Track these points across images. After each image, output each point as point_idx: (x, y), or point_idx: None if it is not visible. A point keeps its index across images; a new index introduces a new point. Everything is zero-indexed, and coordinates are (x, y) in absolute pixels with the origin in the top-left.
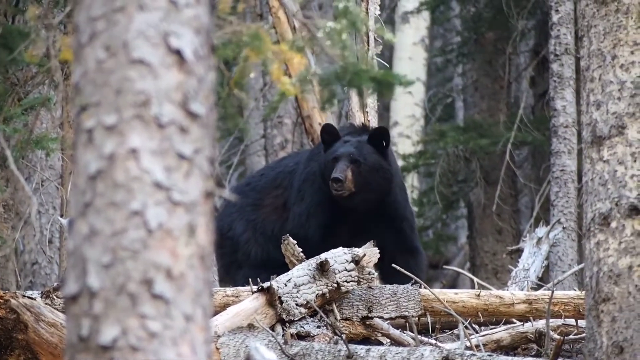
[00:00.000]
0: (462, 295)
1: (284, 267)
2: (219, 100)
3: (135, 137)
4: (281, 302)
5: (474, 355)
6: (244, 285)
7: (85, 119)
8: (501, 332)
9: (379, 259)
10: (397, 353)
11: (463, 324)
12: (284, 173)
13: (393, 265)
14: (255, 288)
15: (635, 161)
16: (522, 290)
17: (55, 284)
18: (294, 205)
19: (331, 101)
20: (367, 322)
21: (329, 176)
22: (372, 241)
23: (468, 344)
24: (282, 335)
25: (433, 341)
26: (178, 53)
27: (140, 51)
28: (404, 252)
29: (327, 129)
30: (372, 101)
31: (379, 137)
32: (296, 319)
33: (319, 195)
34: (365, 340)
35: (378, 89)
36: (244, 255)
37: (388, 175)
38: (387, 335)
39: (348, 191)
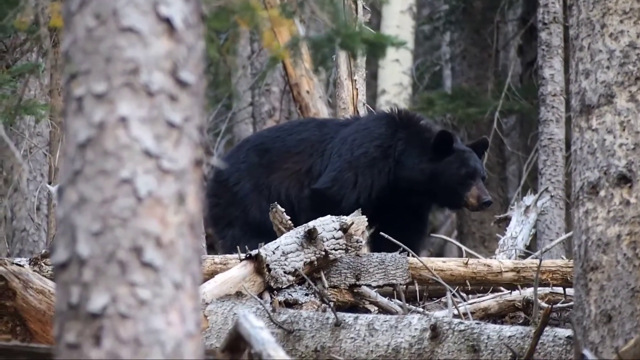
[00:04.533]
0: (450, 264)
1: (274, 237)
2: (210, 66)
3: (125, 106)
4: (269, 270)
5: (462, 323)
6: (228, 245)
7: (74, 87)
8: (489, 300)
9: (384, 233)
10: (384, 321)
11: (451, 292)
12: (309, 141)
13: (381, 233)
14: (243, 256)
15: (624, 130)
16: (509, 258)
17: (44, 251)
18: (339, 171)
19: (324, 64)
20: (355, 290)
21: (461, 190)
22: (359, 210)
23: (456, 312)
24: (270, 303)
25: (421, 309)
26: (167, 21)
27: (130, 19)
28: (416, 233)
29: (447, 138)
30: (360, 69)
31: (483, 148)
32: (284, 286)
33: (373, 178)
34: (353, 308)
35: (370, 50)
36: (241, 214)
37: None
38: (375, 303)
39: None
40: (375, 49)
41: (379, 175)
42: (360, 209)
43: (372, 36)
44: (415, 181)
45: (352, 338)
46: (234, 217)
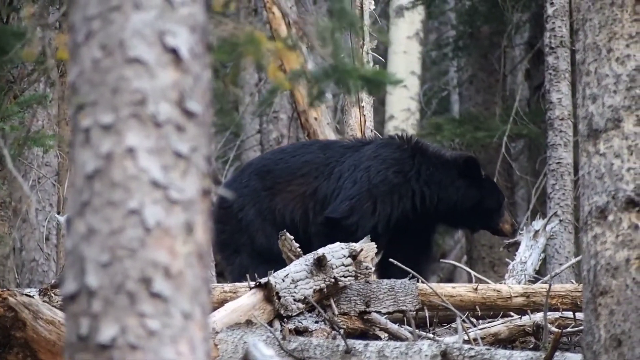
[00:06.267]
0: (460, 289)
1: (282, 262)
2: (215, 95)
3: (132, 136)
4: (279, 298)
5: (472, 349)
6: (237, 272)
7: (82, 118)
8: (499, 326)
9: (391, 258)
10: (395, 347)
11: (461, 317)
12: (313, 163)
13: (390, 259)
14: (252, 284)
15: (631, 154)
16: (519, 283)
17: (53, 281)
18: (357, 200)
19: (319, 98)
20: (365, 317)
21: (497, 215)
22: (368, 236)
23: (466, 338)
24: (280, 331)
25: (431, 335)
26: (174, 52)
27: (136, 50)
28: (424, 258)
29: (477, 163)
30: (366, 96)
31: None
32: (294, 314)
33: (392, 206)
34: (363, 335)
35: (367, 87)
36: (248, 240)
37: None
38: (385, 330)
39: None
40: (372, 86)
41: (399, 202)
42: (369, 235)
43: (370, 73)
44: (458, 203)
45: None
46: (240, 244)
